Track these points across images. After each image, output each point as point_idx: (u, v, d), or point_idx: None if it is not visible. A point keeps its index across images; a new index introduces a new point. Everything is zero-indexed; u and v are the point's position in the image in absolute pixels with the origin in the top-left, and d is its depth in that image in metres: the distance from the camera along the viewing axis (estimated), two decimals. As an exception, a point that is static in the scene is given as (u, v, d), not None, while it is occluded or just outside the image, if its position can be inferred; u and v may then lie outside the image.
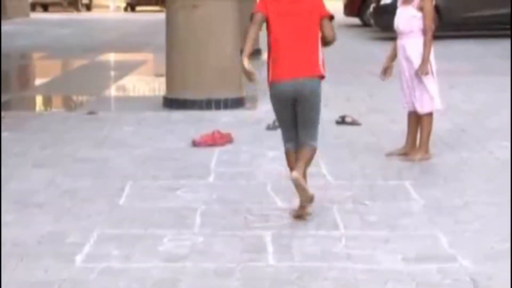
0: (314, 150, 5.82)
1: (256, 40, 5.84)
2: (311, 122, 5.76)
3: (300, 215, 5.71)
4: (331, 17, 5.76)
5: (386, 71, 7.54)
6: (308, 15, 5.66)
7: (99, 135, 8.68)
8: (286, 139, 5.85)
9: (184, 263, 4.87)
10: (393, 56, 7.46)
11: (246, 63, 5.51)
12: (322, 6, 5.74)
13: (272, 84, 5.71)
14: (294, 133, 5.78)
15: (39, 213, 5.89)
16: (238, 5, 10.50)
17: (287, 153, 5.88)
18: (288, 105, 5.71)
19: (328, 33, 5.71)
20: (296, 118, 5.75)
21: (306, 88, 5.66)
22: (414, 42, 7.25)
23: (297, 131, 5.77)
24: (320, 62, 5.72)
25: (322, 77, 5.74)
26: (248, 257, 4.96)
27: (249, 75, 5.55)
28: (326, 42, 5.77)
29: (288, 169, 5.90)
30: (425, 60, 7.19)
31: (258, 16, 5.65)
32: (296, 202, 6.09)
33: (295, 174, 5.59)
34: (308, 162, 5.80)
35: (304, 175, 5.72)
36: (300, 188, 5.59)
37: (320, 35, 5.71)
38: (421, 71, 7.19)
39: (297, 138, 5.78)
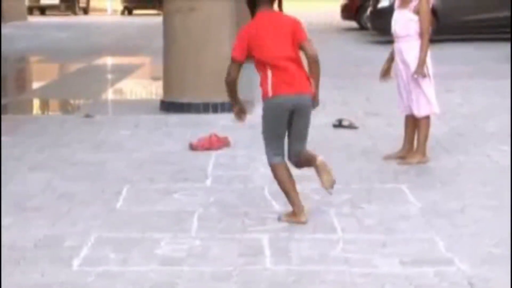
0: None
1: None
2: (306, 135, 5.91)
3: (293, 221, 5.73)
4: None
5: (384, 73, 7.56)
6: (291, 37, 5.76)
7: (96, 138, 8.68)
8: (277, 152, 5.84)
9: (181, 267, 4.87)
10: (392, 58, 7.48)
11: (236, 109, 5.93)
12: (301, 30, 5.82)
13: (274, 98, 5.75)
14: (283, 146, 5.86)
15: (36, 216, 5.89)
16: (236, 7, 10.49)
17: (280, 166, 5.85)
18: (286, 119, 5.79)
19: (311, 52, 5.81)
20: (284, 133, 5.85)
21: (306, 103, 5.80)
22: (411, 45, 7.26)
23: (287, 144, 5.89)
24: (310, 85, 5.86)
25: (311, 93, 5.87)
26: (245, 260, 4.96)
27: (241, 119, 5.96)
28: (311, 62, 5.85)
29: (276, 182, 5.89)
30: (421, 62, 7.20)
31: (237, 67, 5.80)
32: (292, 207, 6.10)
33: (321, 158, 5.76)
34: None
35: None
36: (325, 171, 5.73)
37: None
38: (418, 73, 7.20)
39: (283, 152, 5.87)
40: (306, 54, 5.81)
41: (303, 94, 5.78)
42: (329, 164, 5.78)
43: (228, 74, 5.82)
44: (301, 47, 5.80)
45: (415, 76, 7.21)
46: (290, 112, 5.77)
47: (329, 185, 5.78)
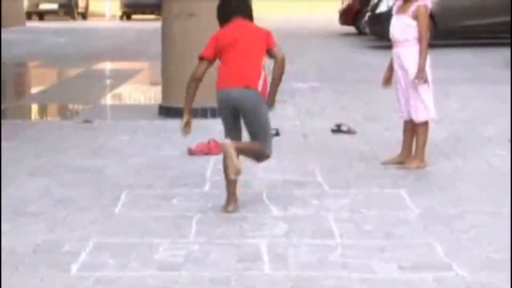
0: (262, 149, 6.15)
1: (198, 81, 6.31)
2: (258, 133, 6.15)
3: (226, 209, 6.06)
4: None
5: (386, 81, 7.56)
6: (258, 42, 6.11)
7: (94, 144, 8.67)
8: (228, 137, 6.16)
9: (179, 272, 4.87)
10: (392, 66, 7.48)
11: (185, 119, 6.19)
12: (269, 36, 6.15)
13: (218, 91, 6.17)
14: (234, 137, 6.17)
15: (35, 222, 5.88)
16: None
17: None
18: (230, 114, 6.15)
19: (280, 56, 6.09)
20: (235, 125, 6.21)
21: (248, 98, 6.07)
22: (409, 51, 7.26)
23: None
24: (260, 81, 6.09)
25: (260, 92, 6.09)
26: (243, 266, 4.95)
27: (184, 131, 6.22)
28: (279, 65, 6.10)
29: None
30: (420, 68, 7.20)
31: (204, 65, 6.21)
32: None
33: (227, 141, 5.99)
34: (249, 150, 6.16)
35: (237, 155, 6.00)
36: (228, 157, 5.93)
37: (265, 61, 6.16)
38: (418, 78, 7.20)
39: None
40: (276, 57, 6.10)
41: (244, 88, 6.04)
42: (233, 152, 5.91)
43: (194, 71, 6.20)
44: (271, 52, 6.10)
45: (416, 81, 7.21)
46: (233, 108, 6.09)
47: (232, 173, 5.97)
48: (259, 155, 6.23)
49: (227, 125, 6.22)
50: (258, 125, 6.14)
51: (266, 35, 6.14)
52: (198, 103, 10.18)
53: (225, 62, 6.15)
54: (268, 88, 6.16)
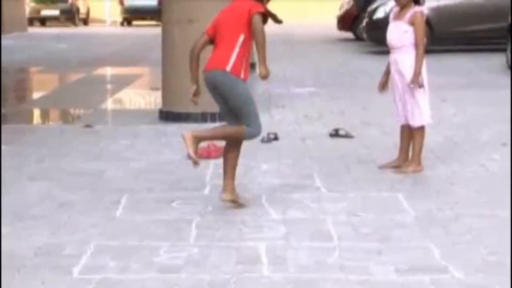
0: (238, 131, 6.21)
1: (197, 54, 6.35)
2: (236, 111, 6.17)
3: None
4: (262, 13, 6.09)
5: (382, 86, 7.58)
6: (236, 19, 6.11)
7: (95, 148, 8.68)
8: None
9: (179, 274, 4.87)
10: (388, 71, 7.50)
11: (192, 88, 6.28)
12: (253, 5, 6.10)
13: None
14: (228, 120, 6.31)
15: (36, 225, 5.88)
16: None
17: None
18: (214, 95, 6.25)
19: (254, 27, 6.06)
20: (224, 108, 6.29)
21: (217, 78, 6.15)
22: (406, 56, 7.28)
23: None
24: (232, 60, 6.09)
25: (229, 72, 6.08)
26: (243, 268, 4.96)
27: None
28: (254, 33, 6.08)
29: None
30: (416, 73, 7.22)
31: (203, 38, 6.29)
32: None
33: (186, 133, 6.19)
34: (218, 136, 6.35)
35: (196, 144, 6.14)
36: (185, 146, 6.13)
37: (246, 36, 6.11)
38: (414, 83, 7.22)
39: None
40: (252, 31, 6.06)
41: (213, 70, 6.13)
42: (188, 141, 6.11)
43: (194, 44, 6.28)
44: (252, 21, 6.04)
45: (411, 86, 7.23)
46: (213, 91, 6.21)
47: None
48: (237, 137, 6.26)
49: (219, 108, 6.35)
50: (235, 105, 6.14)
51: (248, 11, 6.04)
52: (198, 108, 10.24)
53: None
54: (246, 66, 6.12)
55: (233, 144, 6.32)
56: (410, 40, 7.25)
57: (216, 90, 6.18)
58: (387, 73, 7.52)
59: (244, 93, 6.15)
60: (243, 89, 6.14)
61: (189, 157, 6.17)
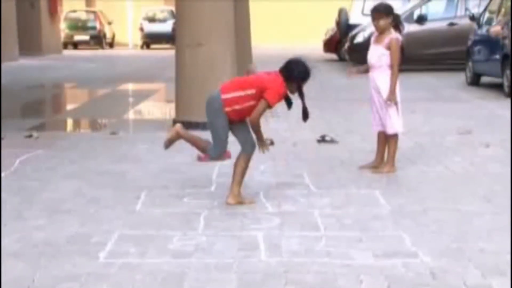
0: (206, 148, 6.21)
1: None
2: (213, 135, 6.12)
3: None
4: (268, 105, 5.91)
5: (353, 73, 7.58)
6: (259, 80, 5.99)
7: (119, 152, 8.65)
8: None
9: (190, 259, 4.84)
10: (364, 69, 7.43)
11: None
12: (271, 90, 5.89)
13: None
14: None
15: (68, 217, 5.85)
16: (236, 47, 10.54)
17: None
18: None
19: (256, 109, 5.92)
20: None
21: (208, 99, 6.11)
22: (383, 75, 7.26)
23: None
24: (231, 95, 5.96)
25: (223, 99, 5.94)
26: (243, 254, 4.93)
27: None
28: (249, 120, 6.01)
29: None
30: (391, 90, 7.20)
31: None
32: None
33: (177, 125, 6.40)
34: (193, 143, 6.33)
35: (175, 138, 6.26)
36: (168, 132, 6.31)
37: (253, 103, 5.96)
38: (390, 99, 7.20)
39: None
40: (257, 106, 5.91)
41: (216, 91, 6.04)
42: (170, 136, 6.32)
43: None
44: (260, 101, 5.89)
45: (388, 102, 7.21)
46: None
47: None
48: (202, 149, 6.32)
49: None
50: (210, 127, 6.09)
51: (265, 89, 5.87)
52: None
53: None
54: (236, 109, 5.95)
55: (245, 155, 6.14)
56: (387, 62, 7.22)
57: (206, 110, 6.08)
58: (364, 70, 7.43)
59: (220, 124, 5.97)
60: (220, 122, 5.96)
61: (164, 142, 6.35)
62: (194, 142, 6.35)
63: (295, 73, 6.02)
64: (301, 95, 6.07)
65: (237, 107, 5.95)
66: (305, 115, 6.09)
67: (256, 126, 5.97)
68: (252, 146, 6.12)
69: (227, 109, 5.96)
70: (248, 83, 6.00)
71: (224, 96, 5.97)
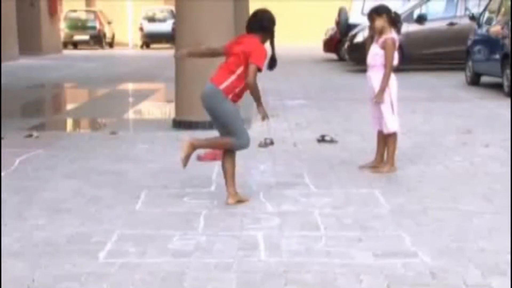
0: (230, 144, 6.07)
1: (205, 52, 6.61)
2: (219, 125, 6.10)
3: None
4: (258, 67, 5.87)
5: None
6: (241, 53, 5.91)
7: (119, 151, 8.65)
8: None
9: (189, 259, 4.84)
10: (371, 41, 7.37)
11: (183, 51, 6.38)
12: (255, 52, 5.87)
13: None
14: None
15: (68, 217, 5.86)
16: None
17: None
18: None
19: (247, 75, 5.88)
20: (212, 121, 6.19)
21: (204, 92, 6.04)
22: (377, 75, 7.26)
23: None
24: (226, 84, 5.95)
25: (221, 90, 5.93)
26: (243, 253, 4.93)
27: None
28: (248, 87, 5.95)
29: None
30: (381, 90, 7.19)
31: (220, 46, 6.21)
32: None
33: (184, 138, 6.17)
34: (212, 146, 6.32)
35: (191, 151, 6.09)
36: (180, 149, 6.10)
37: (243, 72, 5.94)
38: (377, 99, 7.20)
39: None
40: (247, 73, 5.88)
41: (209, 85, 5.98)
42: (184, 147, 6.09)
43: (212, 46, 6.52)
44: (248, 67, 5.86)
45: (374, 100, 7.22)
46: (206, 108, 6.12)
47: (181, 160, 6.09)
48: (227, 148, 6.15)
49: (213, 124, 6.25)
50: (223, 122, 6.01)
51: (250, 54, 5.85)
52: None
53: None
54: (237, 92, 5.97)
55: (229, 155, 6.20)
56: (381, 61, 7.23)
57: (207, 107, 6.05)
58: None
59: (230, 110, 5.99)
60: (229, 107, 5.99)
61: (181, 160, 6.10)
62: (213, 144, 6.31)
63: (265, 23, 6.06)
64: (272, 44, 6.09)
65: (237, 90, 6.02)
66: (273, 63, 6.08)
67: (254, 89, 5.94)
68: (237, 138, 6.10)
69: (230, 96, 6.01)
70: (233, 63, 5.98)
71: (222, 87, 5.99)
